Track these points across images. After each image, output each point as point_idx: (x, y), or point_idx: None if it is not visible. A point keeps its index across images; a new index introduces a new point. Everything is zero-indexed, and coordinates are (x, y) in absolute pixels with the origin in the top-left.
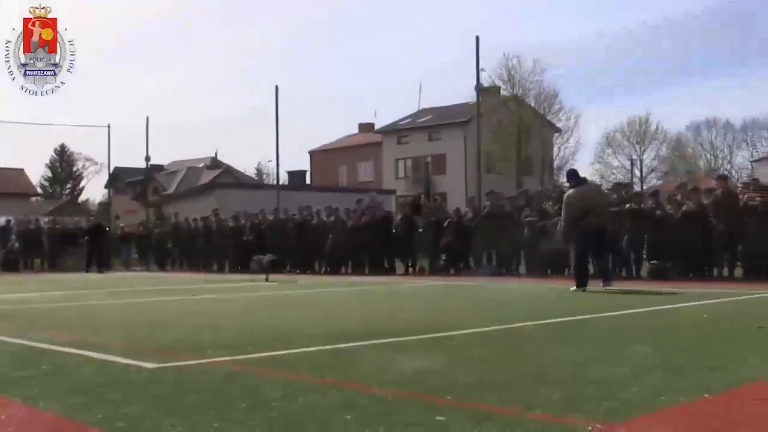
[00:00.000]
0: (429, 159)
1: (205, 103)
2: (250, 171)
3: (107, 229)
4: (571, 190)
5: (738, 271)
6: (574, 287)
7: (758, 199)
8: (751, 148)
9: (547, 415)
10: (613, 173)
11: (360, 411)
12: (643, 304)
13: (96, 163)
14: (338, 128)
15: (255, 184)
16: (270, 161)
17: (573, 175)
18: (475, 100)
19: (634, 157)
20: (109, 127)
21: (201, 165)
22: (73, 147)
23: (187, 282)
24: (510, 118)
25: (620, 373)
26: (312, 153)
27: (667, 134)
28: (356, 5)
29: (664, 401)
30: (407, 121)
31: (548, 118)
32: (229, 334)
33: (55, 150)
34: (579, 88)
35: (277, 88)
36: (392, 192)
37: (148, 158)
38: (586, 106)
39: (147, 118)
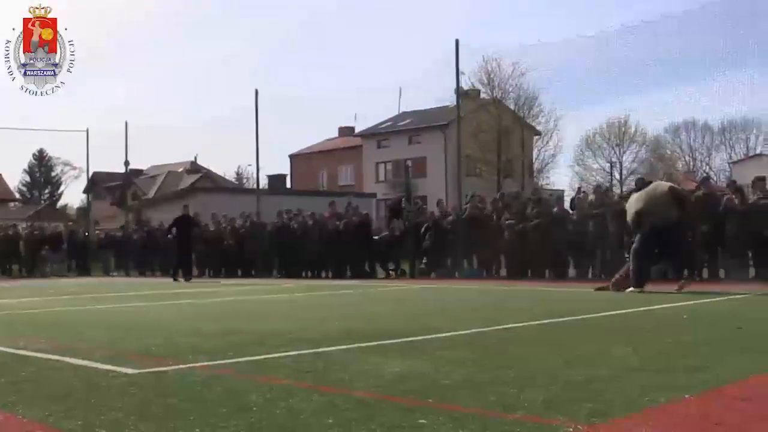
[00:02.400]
0: (409, 162)
1: (185, 108)
2: (230, 175)
3: (197, 225)
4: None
5: (717, 272)
6: (631, 288)
7: (737, 200)
8: (729, 150)
9: (529, 417)
10: (593, 176)
11: (341, 415)
12: (624, 306)
13: (75, 168)
14: (318, 132)
15: (235, 189)
16: (250, 165)
17: (638, 181)
18: (455, 103)
19: (614, 159)
20: (87, 131)
21: (181, 169)
22: (51, 151)
23: (167, 287)
24: (490, 122)
25: (602, 374)
26: (292, 157)
27: (646, 136)
28: (336, 9)
29: (645, 402)
30: (387, 124)
31: (528, 121)
32: (210, 339)
33: (34, 155)
34: (559, 91)
35: (257, 91)
36: (373, 195)
37: (127, 163)
38: (565, 109)
39: (126, 123)
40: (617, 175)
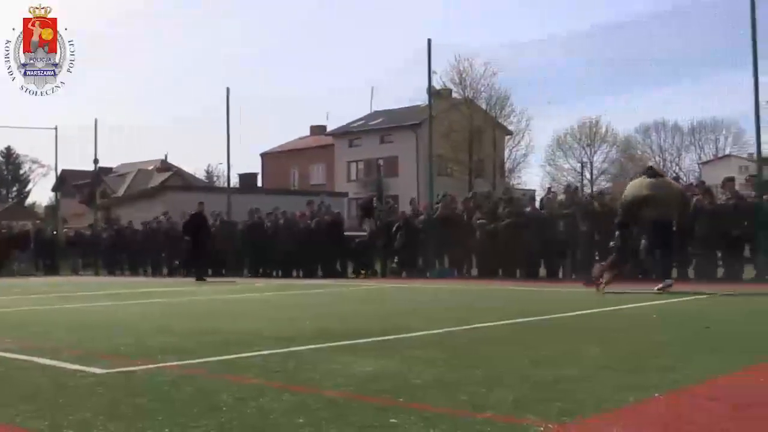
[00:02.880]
0: (381, 161)
1: (156, 106)
2: (201, 174)
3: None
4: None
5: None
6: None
7: (706, 201)
8: (699, 151)
9: (499, 416)
10: (564, 175)
11: (312, 414)
12: (594, 305)
13: (43, 166)
14: (290, 131)
15: (205, 187)
16: (221, 164)
17: (648, 169)
18: (426, 103)
19: (585, 159)
20: (56, 129)
21: (151, 167)
22: (19, 149)
23: (137, 286)
24: (462, 121)
25: (572, 373)
26: (263, 155)
27: (617, 137)
28: (309, 8)
29: (615, 401)
30: (359, 123)
31: (500, 121)
32: (180, 338)
33: (1, 152)
34: (530, 91)
35: (228, 90)
36: (344, 194)
37: (96, 161)
38: (537, 109)
39: (96, 120)
40: (588, 175)
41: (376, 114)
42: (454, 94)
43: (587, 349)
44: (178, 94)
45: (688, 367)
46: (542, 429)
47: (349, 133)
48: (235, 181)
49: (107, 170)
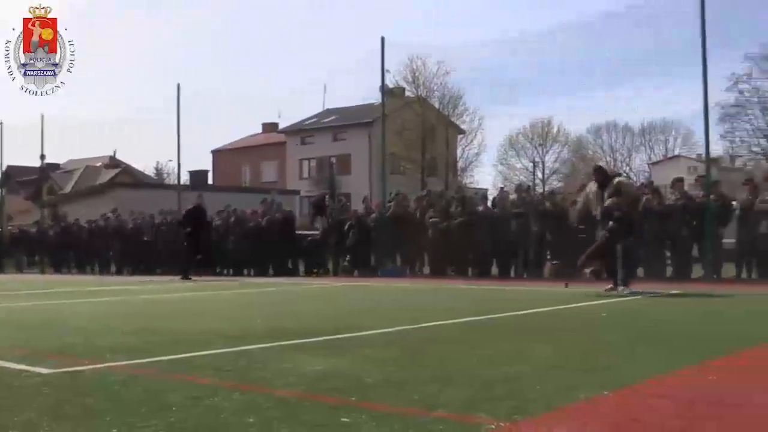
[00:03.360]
0: (333, 159)
1: (105, 102)
2: (150, 171)
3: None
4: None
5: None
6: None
7: (655, 201)
8: (649, 151)
9: (450, 415)
10: (516, 175)
11: (263, 414)
12: (544, 304)
13: None
14: (242, 128)
15: (155, 184)
16: (171, 161)
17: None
18: (380, 101)
19: (537, 159)
20: (1, 124)
21: (99, 164)
22: None
23: (84, 284)
24: (414, 120)
25: (522, 371)
26: (215, 152)
27: (568, 137)
28: (261, 4)
29: (564, 399)
30: (312, 121)
31: (452, 120)
32: (129, 338)
33: None
34: (483, 91)
35: (179, 86)
36: (296, 192)
37: (43, 156)
38: (489, 108)
39: (42, 116)
40: (540, 175)
41: (328, 112)
42: (408, 93)
43: (538, 347)
44: (127, 90)
45: (637, 365)
46: (493, 427)
47: (301, 131)
48: (185, 179)
49: (54, 166)
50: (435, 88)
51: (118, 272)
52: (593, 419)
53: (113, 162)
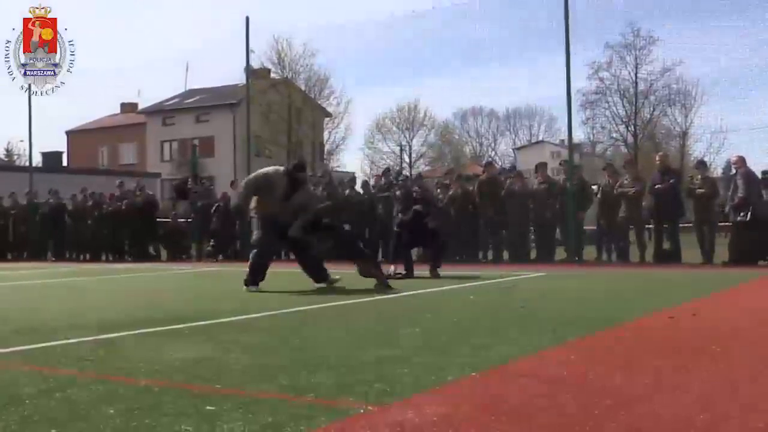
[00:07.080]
0: (196, 141)
1: None
2: (0, 151)
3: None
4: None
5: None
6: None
7: (518, 185)
8: (513, 136)
9: (319, 399)
10: (383, 159)
11: (125, 404)
12: (413, 287)
13: None
14: (99, 108)
15: (4, 166)
16: (22, 141)
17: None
18: (244, 82)
19: (404, 143)
20: None
21: None
22: None
23: None
24: (280, 102)
25: (391, 354)
26: (69, 133)
27: (435, 121)
28: None
29: (433, 380)
30: (174, 101)
31: (319, 102)
32: None
33: None
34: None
35: None
36: (157, 175)
37: None
38: (356, 91)
39: None
40: (407, 159)
41: (191, 92)
42: (273, 74)
43: (406, 330)
44: None
45: (503, 346)
46: (362, 410)
47: (162, 111)
48: (37, 160)
49: None
50: (301, 69)
51: None
52: (461, 399)
53: None
